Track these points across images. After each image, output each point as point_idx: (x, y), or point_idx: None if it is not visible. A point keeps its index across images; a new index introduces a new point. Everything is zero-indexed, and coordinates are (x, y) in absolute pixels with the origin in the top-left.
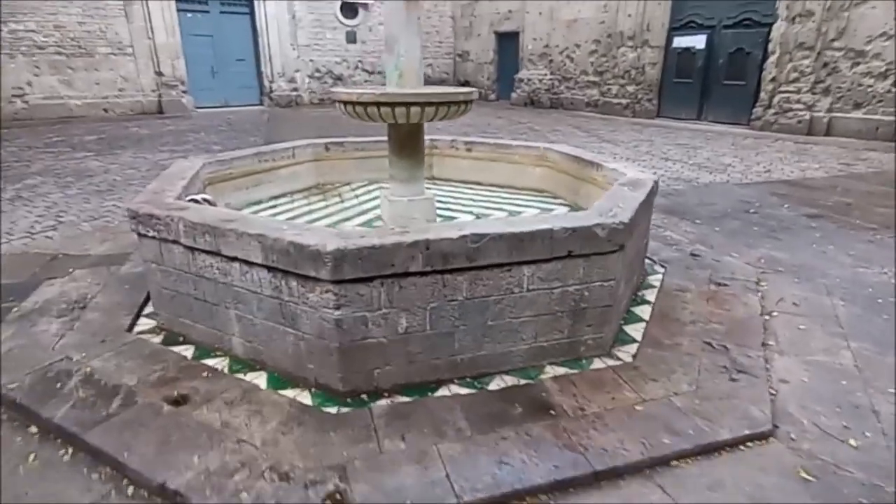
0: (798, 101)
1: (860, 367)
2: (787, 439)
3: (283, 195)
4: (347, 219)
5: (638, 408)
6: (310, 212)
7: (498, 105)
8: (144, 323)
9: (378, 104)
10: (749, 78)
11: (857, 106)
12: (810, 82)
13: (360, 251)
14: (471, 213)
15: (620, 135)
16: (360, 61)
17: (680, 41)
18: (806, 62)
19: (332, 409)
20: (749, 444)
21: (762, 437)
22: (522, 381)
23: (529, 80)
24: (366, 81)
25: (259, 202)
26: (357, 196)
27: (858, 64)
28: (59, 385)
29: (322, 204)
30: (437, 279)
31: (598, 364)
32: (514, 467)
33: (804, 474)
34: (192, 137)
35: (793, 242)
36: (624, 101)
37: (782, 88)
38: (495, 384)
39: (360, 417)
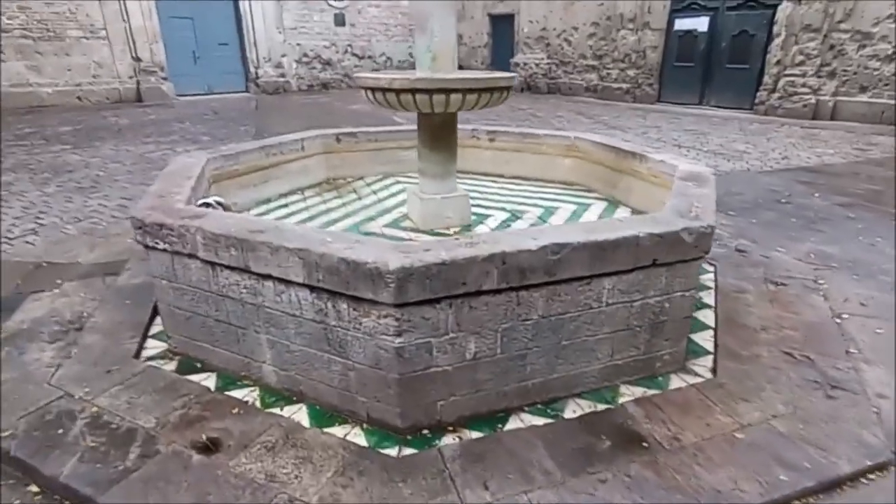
0: (803, 85)
1: None
2: None
3: (294, 192)
4: (370, 218)
5: (738, 435)
6: (326, 211)
7: None
8: (153, 346)
9: (413, 91)
10: (753, 61)
11: (863, 89)
12: (816, 65)
13: (428, 269)
14: (502, 209)
15: (625, 121)
16: (349, 45)
17: (682, 23)
18: (812, 45)
19: (393, 451)
20: (870, 475)
21: (881, 467)
22: (600, 406)
23: (526, 64)
24: (356, 67)
25: (268, 200)
26: (374, 192)
27: (865, 46)
28: (60, 431)
29: (338, 202)
30: (511, 297)
31: (676, 382)
32: None
33: None
34: (176, 127)
35: (837, 235)
36: (624, 86)
37: (787, 72)
38: (571, 410)
39: (430, 461)
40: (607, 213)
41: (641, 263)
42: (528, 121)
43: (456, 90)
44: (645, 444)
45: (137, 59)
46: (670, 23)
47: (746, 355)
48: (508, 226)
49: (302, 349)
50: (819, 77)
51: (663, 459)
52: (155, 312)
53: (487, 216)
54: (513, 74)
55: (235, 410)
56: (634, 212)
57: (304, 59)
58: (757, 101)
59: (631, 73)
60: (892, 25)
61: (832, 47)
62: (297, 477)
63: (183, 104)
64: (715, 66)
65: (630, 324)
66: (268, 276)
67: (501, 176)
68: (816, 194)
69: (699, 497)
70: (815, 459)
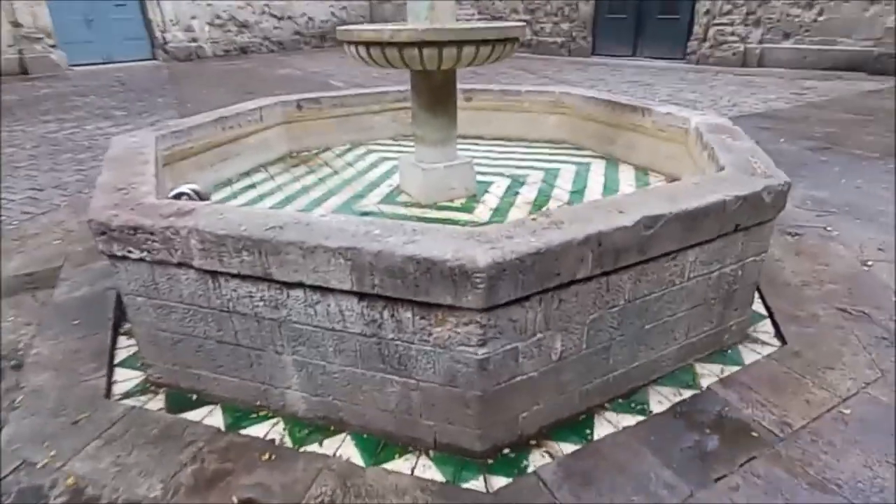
0: (732, 34)
1: None
2: None
3: (256, 169)
4: (360, 195)
5: (845, 411)
6: (304, 190)
7: None
8: (125, 378)
9: (421, 44)
10: (683, 12)
11: (787, 36)
12: (743, 14)
13: (522, 262)
14: (500, 174)
15: (568, 74)
16: (266, 5)
17: None
18: None
19: (477, 483)
20: None
21: None
22: (686, 393)
23: (457, 20)
24: (275, 29)
25: (230, 182)
26: (350, 164)
27: None
28: None
29: (313, 177)
30: (601, 283)
31: (748, 354)
32: None
33: None
34: (79, 102)
35: (820, 180)
36: (559, 40)
37: (716, 21)
38: (656, 402)
39: (532, 492)
40: (611, 173)
41: (725, 230)
42: (472, 79)
43: (470, 42)
44: (754, 434)
45: (17, 25)
46: None
47: (804, 316)
48: (516, 193)
49: (344, 369)
50: (746, 25)
51: (784, 451)
52: (116, 333)
53: (489, 183)
54: (522, 23)
55: (266, 456)
56: (639, 169)
57: (218, 22)
58: (689, 50)
59: (565, 26)
60: None
61: None
62: None
63: (80, 75)
64: (646, 18)
65: (707, 297)
66: (297, 285)
67: (481, 137)
68: (782, 139)
69: (843, 492)
70: None
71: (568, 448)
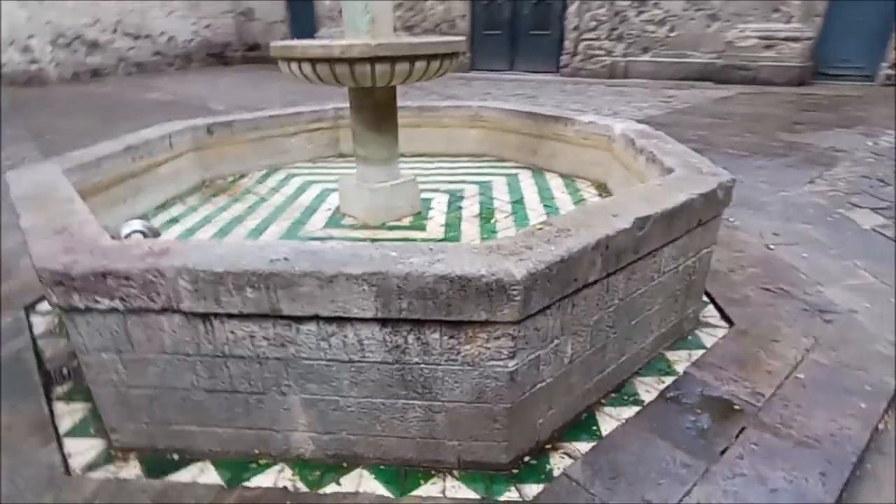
0: (599, 48)
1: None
2: None
3: (173, 202)
4: (300, 222)
5: (800, 376)
6: (235, 221)
7: None
8: (79, 449)
9: (373, 59)
10: (553, 27)
11: (645, 50)
12: (607, 30)
13: (550, 270)
14: (436, 190)
15: (455, 90)
16: (118, 22)
17: None
18: (601, 11)
19: (511, 493)
20: None
21: None
22: (666, 379)
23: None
24: (130, 49)
25: (146, 217)
26: (275, 190)
27: (642, 13)
28: None
29: (241, 207)
30: (603, 285)
31: (706, 337)
32: (790, 491)
33: None
34: None
35: None
36: None
37: (584, 36)
38: (644, 392)
39: (571, 492)
40: (540, 182)
41: (691, 226)
42: None
43: (422, 56)
44: (737, 407)
45: None
46: None
47: (739, 298)
48: (459, 207)
49: (361, 401)
50: (611, 40)
51: (765, 418)
52: (49, 397)
53: (429, 199)
54: (460, 38)
55: None
56: (565, 177)
57: (62, 41)
58: (561, 64)
59: None
60: None
61: (617, 13)
62: None
63: None
64: (520, 33)
65: (675, 289)
66: (309, 319)
67: (402, 155)
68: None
69: (824, 445)
70: (868, 380)
71: (583, 447)
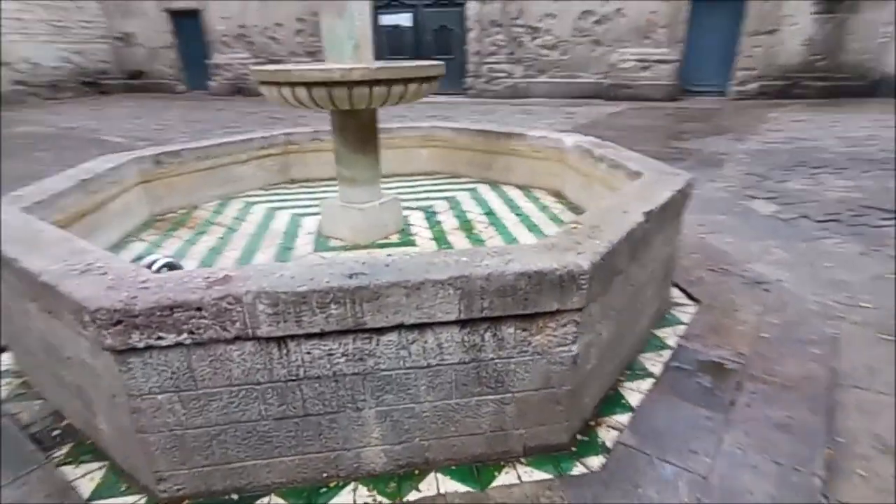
0: (501, 71)
1: (797, 256)
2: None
3: (130, 240)
4: (287, 247)
5: (764, 335)
6: (214, 251)
7: (194, 97)
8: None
9: (372, 82)
10: (456, 52)
11: (541, 72)
12: (505, 54)
13: (604, 261)
14: (408, 208)
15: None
16: None
17: (387, 19)
18: (499, 37)
19: (579, 468)
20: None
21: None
22: (664, 353)
23: (229, 65)
24: None
25: None
26: (239, 219)
27: (536, 38)
28: None
29: (212, 239)
30: (627, 274)
31: (681, 315)
32: (793, 424)
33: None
34: None
35: None
36: None
37: (486, 60)
38: (651, 366)
39: (629, 457)
40: (501, 193)
41: (673, 217)
42: (275, 124)
43: (415, 79)
44: (727, 366)
45: None
46: (375, 18)
47: (696, 279)
48: (438, 222)
49: (436, 405)
50: (510, 63)
51: (754, 371)
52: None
53: (405, 216)
54: (440, 62)
55: None
56: (521, 188)
57: None
58: (467, 86)
59: None
60: (552, 21)
61: (514, 39)
62: None
63: None
64: (424, 58)
65: (661, 274)
66: (391, 329)
67: None
68: None
69: (802, 386)
70: (813, 331)
71: (622, 419)
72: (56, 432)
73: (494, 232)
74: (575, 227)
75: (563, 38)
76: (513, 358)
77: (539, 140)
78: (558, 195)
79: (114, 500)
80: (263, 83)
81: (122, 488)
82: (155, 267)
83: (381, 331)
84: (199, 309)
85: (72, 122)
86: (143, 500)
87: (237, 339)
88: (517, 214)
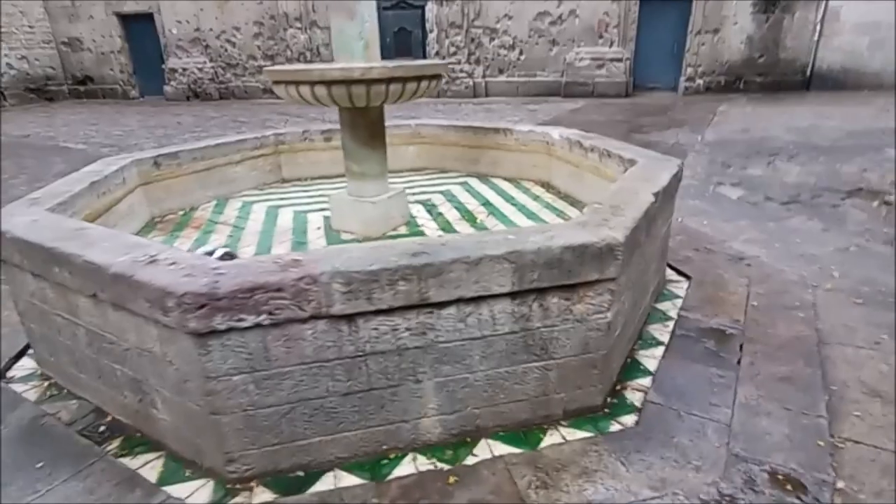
0: (461, 71)
1: (769, 235)
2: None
3: None
4: (300, 242)
5: (754, 303)
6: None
7: (148, 103)
8: (185, 492)
9: (389, 80)
10: (416, 53)
11: (501, 71)
12: (466, 54)
13: (633, 234)
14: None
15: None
16: None
17: None
18: (458, 38)
19: (616, 426)
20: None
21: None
22: (668, 324)
23: (185, 69)
24: None
25: None
26: (244, 218)
27: (494, 39)
28: None
29: (220, 238)
30: (642, 248)
31: (677, 290)
32: (793, 376)
33: None
34: None
35: None
36: None
37: (446, 60)
38: (659, 335)
39: (659, 413)
40: (492, 186)
41: (670, 198)
42: (239, 128)
43: (426, 76)
44: (726, 331)
45: None
46: None
47: (684, 258)
48: (439, 214)
49: (488, 373)
50: (470, 63)
51: (751, 335)
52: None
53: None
54: (444, 61)
55: (450, 480)
56: (509, 180)
57: None
58: None
59: None
60: (509, 22)
61: (473, 40)
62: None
63: None
64: (385, 59)
65: (661, 250)
66: (452, 303)
67: (343, 175)
68: None
69: (794, 345)
70: (795, 298)
71: (644, 381)
72: (102, 428)
73: (496, 220)
74: (598, 207)
75: (521, 39)
76: (556, 326)
77: (526, 134)
78: (547, 185)
79: (181, 486)
80: (278, 82)
81: (187, 473)
82: (215, 256)
83: (441, 305)
84: (278, 290)
85: (24, 130)
86: (210, 483)
87: (311, 318)
88: (513, 204)
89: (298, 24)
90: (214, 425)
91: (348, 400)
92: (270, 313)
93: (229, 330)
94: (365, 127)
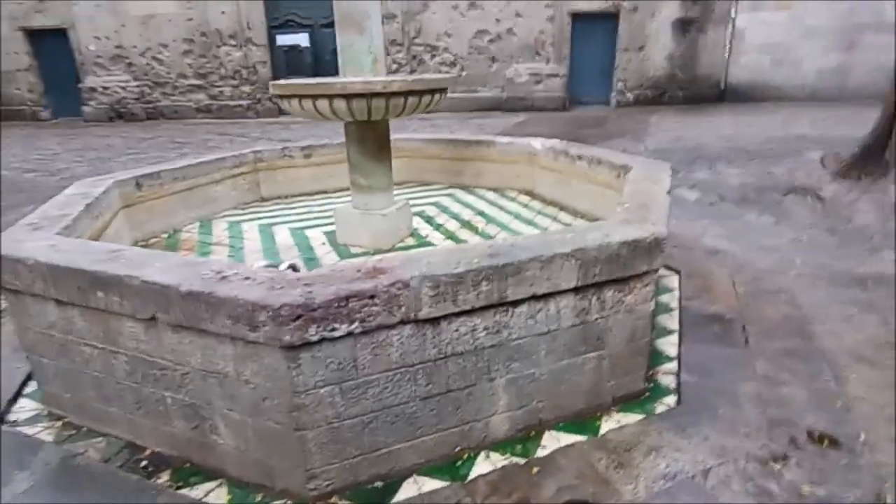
0: None
1: (731, 231)
2: None
3: None
4: (310, 259)
5: (739, 290)
6: None
7: (64, 124)
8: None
9: (407, 93)
10: None
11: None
12: (408, 71)
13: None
14: None
15: (281, 133)
16: None
17: (284, 39)
18: (400, 55)
19: (662, 406)
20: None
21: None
22: (673, 313)
23: (107, 88)
24: None
25: None
26: (237, 237)
27: (435, 56)
28: None
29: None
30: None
31: (670, 283)
32: (790, 347)
33: None
34: None
35: None
36: (243, 103)
37: (451, 74)
38: (668, 323)
39: (696, 389)
40: (480, 195)
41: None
42: (181, 148)
43: (437, 90)
44: (727, 317)
45: None
46: (272, 38)
47: (667, 255)
48: (439, 225)
49: (552, 367)
50: None
51: (748, 317)
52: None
53: None
54: (450, 75)
55: (532, 472)
56: (493, 190)
57: None
58: None
59: (247, 89)
60: (449, 40)
61: (414, 57)
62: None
63: None
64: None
65: None
66: (525, 300)
67: (325, 192)
68: None
69: (785, 322)
70: (774, 284)
71: (670, 366)
72: (143, 462)
73: (497, 228)
74: (629, 207)
75: (462, 56)
76: (610, 317)
77: (508, 145)
78: (531, 194)
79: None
80: (288, 96)
81: (258, 498)
82: (281, 268)
83: (515, 303)
84: (372, 297)
85: None
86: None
87: (400, 323)
88: (507, 212)
89: (233, 42)
90: (298, 441)
91: (427, 404)
92: (363, 321)
93: (321, 341)
94: (373, 140)
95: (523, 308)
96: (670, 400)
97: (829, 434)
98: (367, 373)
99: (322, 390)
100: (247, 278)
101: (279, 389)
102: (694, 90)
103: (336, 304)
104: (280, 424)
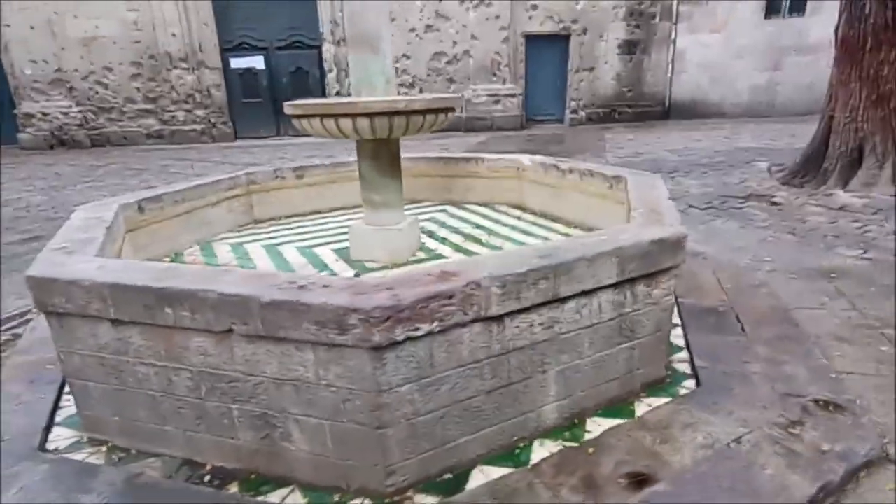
0: None
1: (703, 236)
2: None
3: None
4: (332, 276)
5: (727, 285)
6: None
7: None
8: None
9: (426, 111)
10: (315, 93)
11: None
12: None
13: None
14: None
15: (241, 157)
16: None
17: (238, 62)
18: None
19: (684, 389)
20: None
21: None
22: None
23: (46, 114)
24: None
25: None
26: (243, 257)
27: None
28: None
29: None
30: None
31: None
32: (782, 334)
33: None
34: None
35: None
36: (198, 127)
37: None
38: None
39: (712, 373)
40: (472, 209)
41: None
42: (138, 175)
43: (451, 108)
44: (721, 310)
45: None
46: (225, 62)
47: None
48: (444, 239)
49: (593, 358)
50: None
51: (738, 310)
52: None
53: None
54: (457, 95)
55: (589, 451)
56: (485, 205)
57: None
58: None
59: (201, 113)
60: (408, 62)
61: None
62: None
63: None
64: (281, 100)
65: None
66: (573, 296)
67: (318, 212)
68: None
69: (773, 313)
70: (756, 279)
71: (682, 354)
72: (207, 478)
73: (500, 239)
74: (643, 212)
75: (420, 77)
76: (640, 310)
77: (497, 161)
78: (521, 207)
79: None
80: (307, 115)
81: (335, 499)
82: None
83: (565, 299)
84: (450, 297)
85: None
86: (367, 502)
87: (472, 321)
88: (504, 225)
89: (184, 65)
90: (379, 440)
91: (490, 397)
92: (441, 320)
93: (405, 340)
94: (387, 157)
95: (572, 304)
96: (690, 383)
97: (832, 401)
98: (442, 370)
99: (403, 388)
100: (326, 286)
101: (363, 390)
102: (641, 108)
103: (420, 305)
104: (361, 424)
